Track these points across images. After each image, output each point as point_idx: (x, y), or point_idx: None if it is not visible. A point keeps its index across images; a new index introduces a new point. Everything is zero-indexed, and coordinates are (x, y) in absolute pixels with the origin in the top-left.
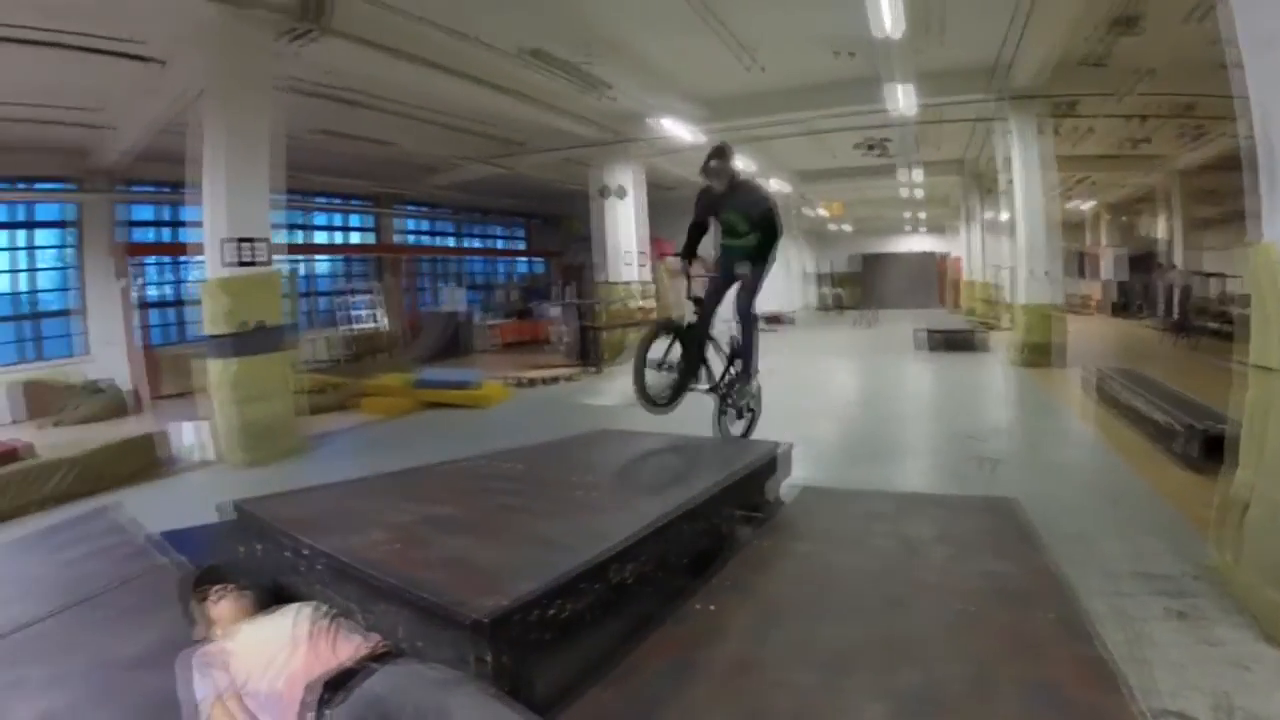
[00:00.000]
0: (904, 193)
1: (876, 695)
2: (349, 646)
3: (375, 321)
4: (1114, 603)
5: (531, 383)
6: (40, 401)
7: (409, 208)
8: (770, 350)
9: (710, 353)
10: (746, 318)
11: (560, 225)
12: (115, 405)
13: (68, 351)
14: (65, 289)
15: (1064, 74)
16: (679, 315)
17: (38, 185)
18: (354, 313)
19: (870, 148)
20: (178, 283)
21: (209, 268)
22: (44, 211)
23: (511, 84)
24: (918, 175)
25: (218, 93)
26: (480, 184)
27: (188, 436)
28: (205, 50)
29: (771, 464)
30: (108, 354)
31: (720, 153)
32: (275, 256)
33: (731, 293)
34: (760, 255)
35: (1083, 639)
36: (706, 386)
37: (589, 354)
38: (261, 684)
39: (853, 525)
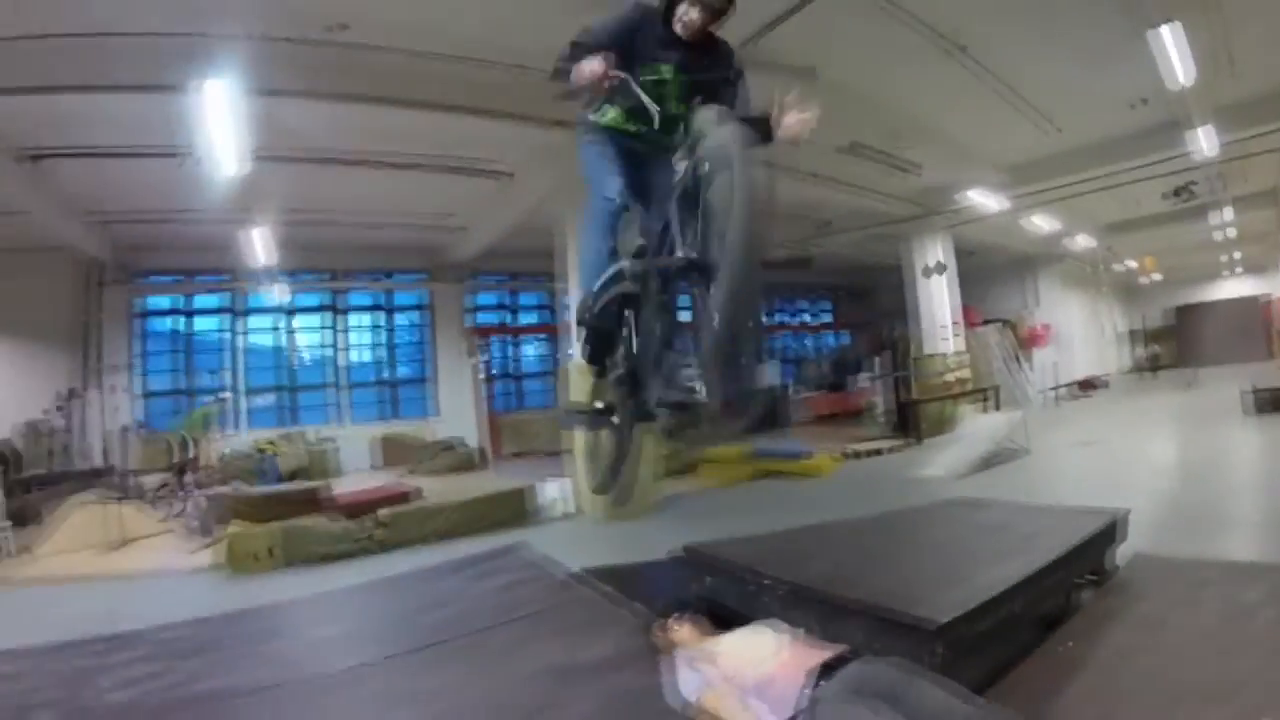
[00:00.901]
0: (1216, 235)
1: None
2: (824, 648)
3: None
4: None
5: (856, 455)
6: (395, 453)
7: None
8: (1087, 419)
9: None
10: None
11: (866, 298)
12: (464, 460)
13: (419, 413)
14: (418, 360)
15: None
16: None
17: (397, 276)
18: None
19: (1176, 193)
20: (517, 359)
21: (576, 350)
22: (402, 298)
23: (826, 172)
24: (1228, 214)
25: (563, 201)
26: (789, 262)
27: (551, 492)
28: (550, 166)
29: (1111, 531)
30: (454, 416)
31: None
32: None
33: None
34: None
35: None
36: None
37: (907, 426)
38: (752, 672)
39: (1184, 589)
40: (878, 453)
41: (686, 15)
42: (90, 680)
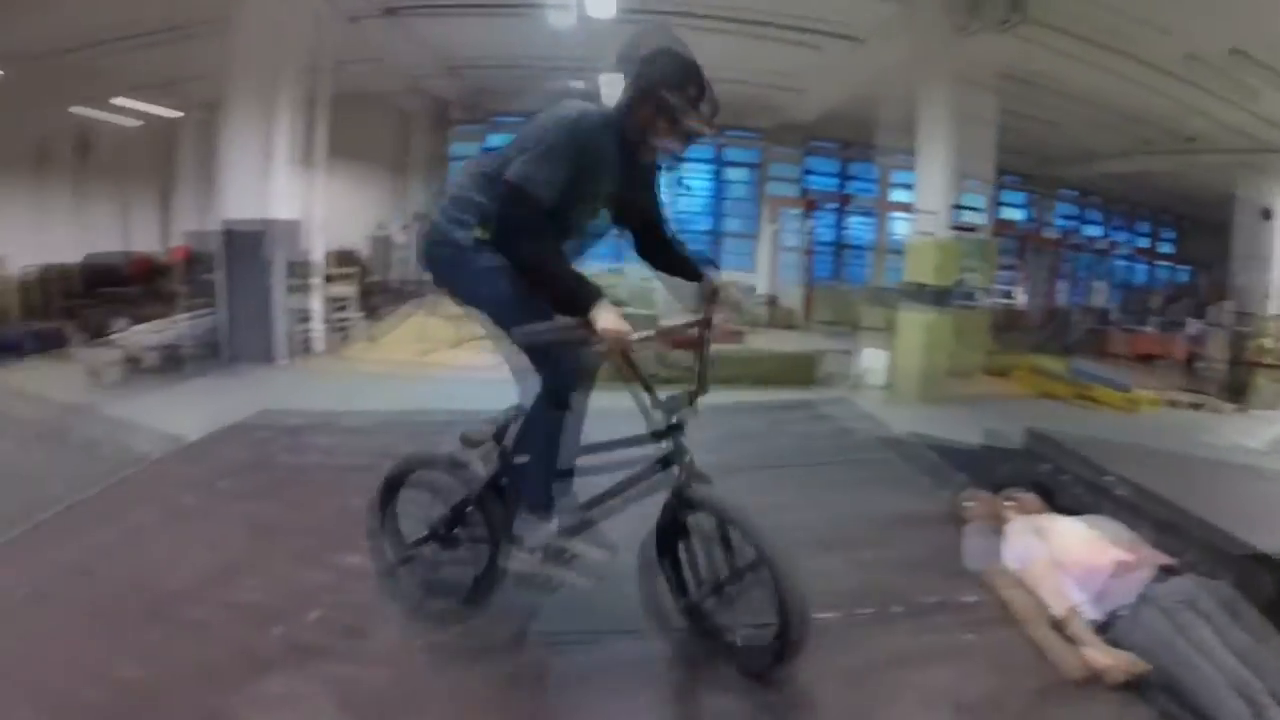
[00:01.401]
0: None
1: None
2: (1157, 554)
3: (1013, 299)
4: None
5: (1173, 403)
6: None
7: (1060, 192)
8: None
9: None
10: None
11: (1217, 235)
12: (786, 317)
13: (742, 266)
14: (749, 217)
15: None
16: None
17: (728, 132)
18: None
19: None
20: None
21: (920, 226)
22: (733, 154)
23: (1190, 79)
24: None
25: (929, 75)
26: (1135, 177)
27: (869, 360)
28: (904, 36)
29: None
30: (767, 275)
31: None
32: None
33: None
34: None
35: None
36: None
37: (1236, 388)
38: (1080, 557)
39: None
40: (1197, 407)
41: (667, 144)
42: (432, 441)
